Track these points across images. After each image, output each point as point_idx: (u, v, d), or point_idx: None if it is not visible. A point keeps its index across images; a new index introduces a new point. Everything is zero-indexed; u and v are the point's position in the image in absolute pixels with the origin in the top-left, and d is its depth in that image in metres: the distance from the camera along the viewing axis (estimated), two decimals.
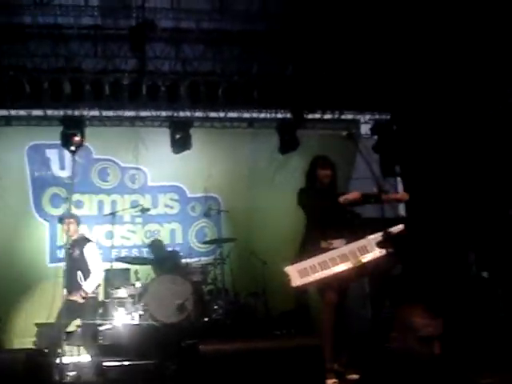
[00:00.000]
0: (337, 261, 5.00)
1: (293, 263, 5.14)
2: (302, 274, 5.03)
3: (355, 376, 4.87)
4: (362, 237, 5.12)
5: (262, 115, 11.02)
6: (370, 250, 5.03)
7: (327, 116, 11.23)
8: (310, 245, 5.25)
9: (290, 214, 9.73)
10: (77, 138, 4.13)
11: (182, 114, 10.56)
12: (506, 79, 8.96)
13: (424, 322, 2.43)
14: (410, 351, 2.50)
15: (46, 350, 6.24)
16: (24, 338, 8.58)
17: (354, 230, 5.28)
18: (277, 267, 8.48)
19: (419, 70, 9.75)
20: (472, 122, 9.29)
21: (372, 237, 5.07)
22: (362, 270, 5.20)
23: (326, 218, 5.31)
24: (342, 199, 5.14)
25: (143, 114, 10.50)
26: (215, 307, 8.26)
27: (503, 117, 8.87)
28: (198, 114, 10.72)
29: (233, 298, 8.87)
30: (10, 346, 8.89)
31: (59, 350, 5.73)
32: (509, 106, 8.80)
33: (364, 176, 6.29)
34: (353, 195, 5.19)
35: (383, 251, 4.94)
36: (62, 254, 9.83)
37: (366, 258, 5.02)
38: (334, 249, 5.14)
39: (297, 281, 5.02)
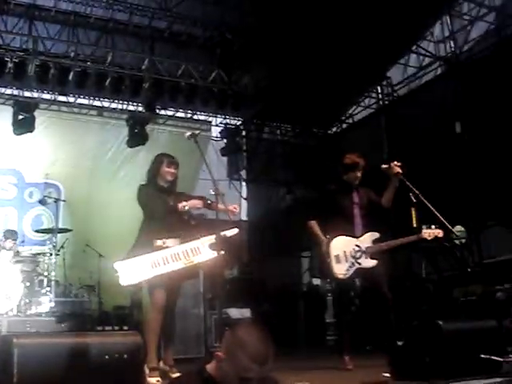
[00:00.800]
0: (168, 260, 4.99)
1: (124, 259, 5.08)
2: (131, 271, 4.96)
3: (178, 374, 4.88)
4: (197, 238, 5.13)
5: (114, 105, 10.79)
6: (203, 251, 5.08)
7: (180, 114, 11.23)
8: (143, 242, 5.16)
9: (131, 208, 9.72)
10: None
11: (27, 94, 10.04)
12: None
13: (249, 364, 2.34)
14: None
15: None
16: None
17: (191, 230, 5.29)
18: (113, 262, 8.41)
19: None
20: None
21: (206, 238, 5.10)
22: (193, 270, 5.25)
23: (162, 217, 5.28)
24: (180, 206, 5.12)
25: None
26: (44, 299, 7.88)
27: None
28: (46, 96, 10.26)
29: (63, 289, 8.55)
30: None
31: None
32: None
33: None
34: (192, 203, 5.19)
35: (215, 253, 4.98)
36: None
37: (198, 258, 5.05)
38: (167, 248, 5.10)
39: (126, 278, 4.95)
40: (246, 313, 7.81)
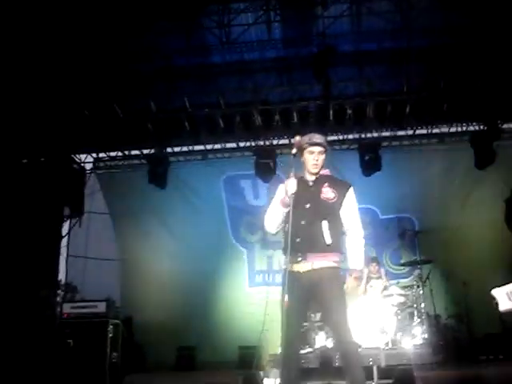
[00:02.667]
0: None
1: (501, 285, 4.83)
2: (510, 296, 4.70)
3: None
4: None
5: (453, 129, 10.61)
6: None
7: None
8: None
9: (490, 231, 9.27)
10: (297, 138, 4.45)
11: (369, 135, 10.52)
12: None
13: None
14: None
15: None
16: None
17: None
18: (478, 288, 8.09)
19: None
20: None
21: None
22: None
23: None
24: None
25: (331, 138, 10.60)
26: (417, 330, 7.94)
27: None
28: (386, 133, 10.61)
29: (434, 320, 8.50)
30: None
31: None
32: None
33: None
34: None
35: None
36: (260, 278, 10.33)
37: None
38: None
39: (505, 304, 4.70)
40: None
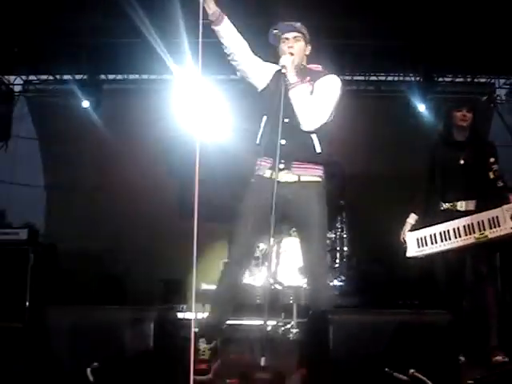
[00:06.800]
0: (459, 232, 4.39)
1: (412, 230, 4.81)
2: (419, 243, 4.65)
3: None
4: (496, 205, 4.34)
5: (390, 78, 10.79)
6: (503, 223, 4.22)
7: (459, 79, 10.67)
8: (430, 206, 4.82)
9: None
10: None
11: None
12: None
13: None
14: None
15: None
16: None
17: (490, 194, 4.60)
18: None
19: None
20: None
21: (508, 206, 4.27)
22: (482, 247, 4.52)
23: (450, 173, 4.79)
24: None
25: None
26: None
27: None
28: None
29: (354, 263, 8.76)
30: None
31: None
32: None
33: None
34: None
35: None
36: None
37: (495, 233, 4.26)
38: (458, 213, 4.59)
39: (412, 250, 4.70)
40: None
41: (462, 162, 4.74)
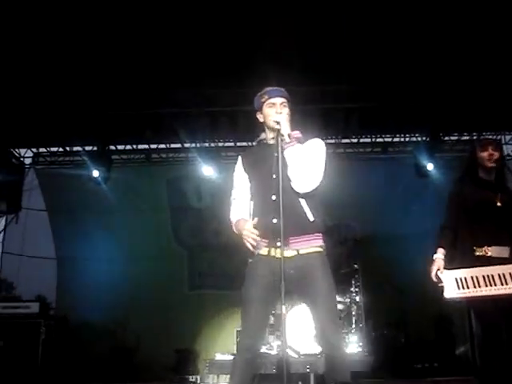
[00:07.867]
0: (506, 279, 4.10)
1: (449, 268, 4.34)
2: (459, 284, 4.22)
3: None
4: None
5: (396, 139, 10.83)
6: None
7: (465, 138, 10.76)
8: (460, 250, 4.43)
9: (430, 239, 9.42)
10: None
11: None
12: None
13: None
14: None
15: None
16: None
17: None
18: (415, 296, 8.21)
19: None
20: None
21: None
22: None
23: (485, 215, 4.48)
24: None
25: None
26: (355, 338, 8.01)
27: None
28: (330, 141, 10.63)
29: (370, 327, 8.60)
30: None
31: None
32: None
33: None
34: None
35: None
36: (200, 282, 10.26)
37: None
38: (490, 258, 4.28)
39: (451, 291, 4.24)
40: None
41: (499, 204, 4.57)
